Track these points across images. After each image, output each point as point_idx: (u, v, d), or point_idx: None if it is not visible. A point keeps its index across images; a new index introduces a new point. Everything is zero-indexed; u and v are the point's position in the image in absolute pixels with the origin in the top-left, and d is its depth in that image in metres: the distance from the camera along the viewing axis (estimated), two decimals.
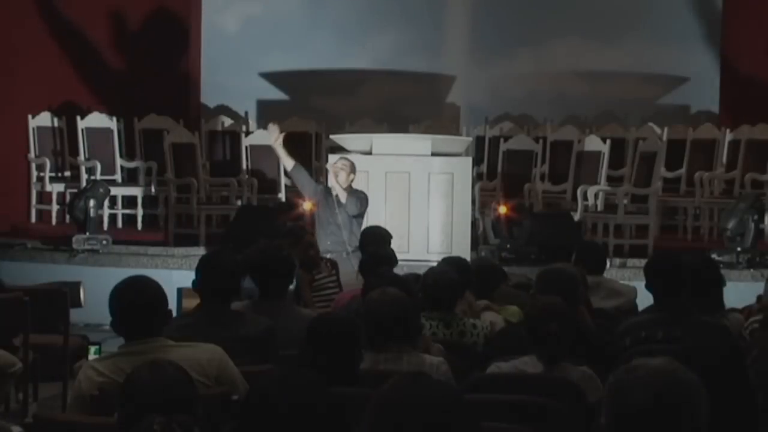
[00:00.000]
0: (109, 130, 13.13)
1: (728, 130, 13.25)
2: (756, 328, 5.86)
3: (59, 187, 13.03)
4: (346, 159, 10.00)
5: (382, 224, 9.28)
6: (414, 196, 10.51)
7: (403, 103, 14.65)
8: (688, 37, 14.63)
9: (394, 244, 8.44)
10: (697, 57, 14.62)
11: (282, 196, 12.45)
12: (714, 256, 10.24)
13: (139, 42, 14.12)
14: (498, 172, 12.88)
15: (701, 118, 14.30)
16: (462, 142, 11.78)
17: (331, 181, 9.74)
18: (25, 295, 7.29)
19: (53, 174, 13.14)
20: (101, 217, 12.17)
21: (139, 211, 12.77)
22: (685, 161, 13.08)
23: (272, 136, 10.26)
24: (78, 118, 13.05)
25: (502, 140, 13.10)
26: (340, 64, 14.83)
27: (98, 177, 12.64)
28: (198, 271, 5.53)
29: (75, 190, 12.48)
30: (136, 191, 12.91)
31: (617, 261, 11.10)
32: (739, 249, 10.97)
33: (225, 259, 5.65)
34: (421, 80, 14.93)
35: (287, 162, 10.24)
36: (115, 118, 13.26)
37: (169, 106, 13.73)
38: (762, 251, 11.09)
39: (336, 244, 9.52)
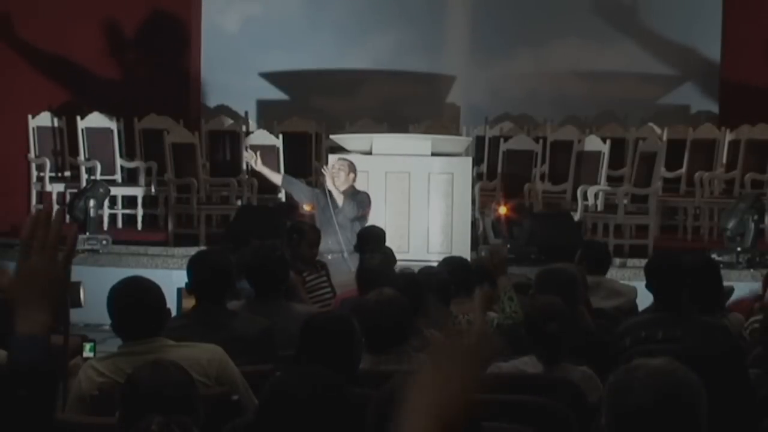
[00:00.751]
0: (109, 130, 13.13)
1: (728, 130, 13.25)
2: (756, 328, 5.86)
3: (59, 187, 13.02)
4: (344, 159, 9.99)
5: (381, 224, 9.28)
6: (414, 196, 10.51)
7: (403, 103, 14.65)
8: (688, 37, 14.63)
9: (395, 245, 8.44)
10: (697, 57, 14.62)
11: (282, 196, 12.44)
12: (714, 256, 10.24)
13: (139, 42, 14.13)
14: (498, 172, 12.87)
15: (701, 118, 14.30)
16: (462, 142, 11.78)
17: (329, 183, 9.71)
18: None
19: (53, 174, 13.14)
20: (101, 217, 12.17)
21: (139, 211, 12.77)
22: (685, 161, 13.08)
23: (251, 162, 10.56)
24: (78, 118, 13.04)
25: (502, 140, 13.09)
26: (340, 64, 14.83)
27: (98, 177, 12.64)
28: (188, 270, 5.53)
29: (75, 190, 12.48)
30: (136, 191, 12.91)
31: (617, 261, 11.09)
32: (739, 249, 10.96)
33: (213, 257, 5.65)
34: (421, 80, 14.92)
35: (275, 178, 10.57)
36: (115, 118, 13.26)
37: (169, 106, 13.73)
38: (762, 251, 11.09)
39: (336, 245, 9.52)
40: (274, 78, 14.90)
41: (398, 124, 13.61)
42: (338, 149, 11.07)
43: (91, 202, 11.54)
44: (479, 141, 13.65)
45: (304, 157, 13.26)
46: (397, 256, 7.82)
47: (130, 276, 4.73)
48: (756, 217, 11.13)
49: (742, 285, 9.92)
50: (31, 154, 13.21)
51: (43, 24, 13.63)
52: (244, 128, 13.58)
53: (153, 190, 12.98)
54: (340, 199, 9.64)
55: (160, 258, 11.43)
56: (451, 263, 6.91)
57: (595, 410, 4.24)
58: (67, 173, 13.22)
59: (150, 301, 4.55)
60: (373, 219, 9.85)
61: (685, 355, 3.98)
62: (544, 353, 4.88)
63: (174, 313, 6.16)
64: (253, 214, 11.40)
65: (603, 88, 14.81)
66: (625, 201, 11.99)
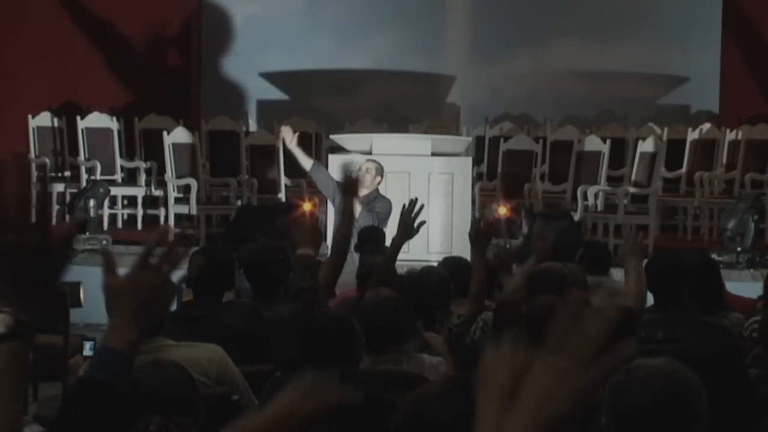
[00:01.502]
0: (109, 130, 13.13)
1: (728, 130, 13.25)
2: (756, 329, 5.86)
3: (59, 187, 13.02)
4: (373, 160, 9.90)
5: (383, 223, 9.28)
6: (414, 196, 10.49)
7: (403, 103, 14.65)
8: (688, 37, 14.63)
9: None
10: (697, 57, 14.62)
11: (282, 196, 12.44)
12: (714, 256, 10.23)
13: (139, 42, 14.13)
14: (498, 172, 12.87)
15: (701, 118, 14.30)
16: (462, 142, 11.78)
17: None
18: None
19: (53, 174, 13.14)
20: (101, 217, 12.16)
21: (139, 211, 12.77)
22: (685, 161, 13.08)
23: (287, 138, 10.22)
24: (78, 118, 13.05)
25: (502, 140, 13.09)
26: (340, 64, 14.83)
27: (98, 177, 12.64)
28: (188, 264, 5.53)
29: (75, 190, 12.48)
30: (136, 191, 12.91)
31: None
32: (739, 249, 10.96)
33: (215, 251, 5.65)
34: (421, 80, 14.92)
35: (305, 162, 10.11)
36: (115, 118, 13.26)
37: (169, 106, 13.73)
38: (762, 251, 11.09)
39: None
40: (274, 78, 14.90)
41: (398, 124, 13.61)
42: (338, 149, 11.06)
43: (91, 202, 11.54)
44: (479, 141, 13.65)
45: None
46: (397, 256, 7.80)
47: None
48: (756, 217, 11.13)
49: (742, 285, 9.92)
50: (31, 154, 13.21)
51: (43, 24, 13.63)
52: (244, 128, 13.58)
53: (153, 190, 12.98)
54: (357, 210, 9.54)
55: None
56: (451, 263, 6.90)
57: (595, 410, 4.24)
58: (67, 173, 13.22)
59: None
60: None
61: (685, 355, 3.98)
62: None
63: None
64: (253, 214, 11.40)
65: (603, 88, 14.81)
66: (625, 201, 11.99)
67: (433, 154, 10.71)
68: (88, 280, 9.50)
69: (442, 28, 14.94)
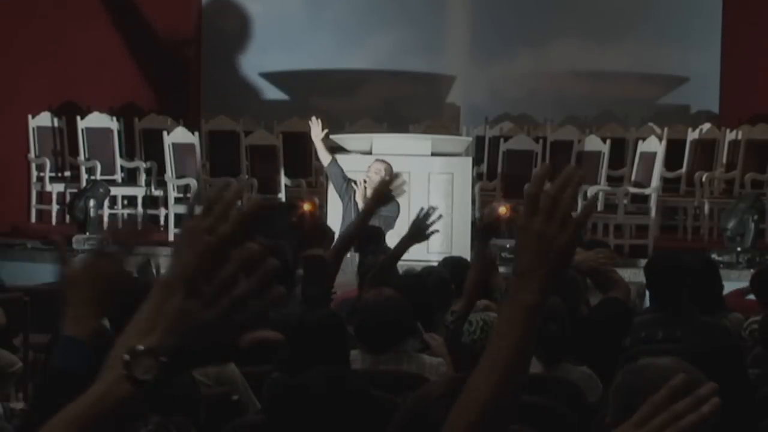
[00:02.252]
0: (109, 130, 13.13)
1: (728, 130, 13.25)
2: (755, 329, 5.86)
3: (59, 187, 13.02)
4: (382, 161, 9.93)
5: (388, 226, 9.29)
6: (414, 196, 10.50)
7: (403, 103, 14.65)
8: (688, 37, 14.62)
9: (394, 244, 8.41)
10: (697, 57, 14.62)
11: (282, 196, 12.44)
12: (714, 256, 10.24)
13: (139, 42, 14.12)
14: (498, 172, 12.87)
15: (701, 118, 14.29)
16: (462, 142, 11.78)
17: (358, 197, 9.63)
18: (25, 295, 7.29)
19: (53, 174, 13.14)
20: (101, 217, 12.16)
21: (140, 211, 12.77)
22: (685, 161, 13.08)
23: (314, 130, 10.37)
24: (78, 118, 13.05)
25: (502, 140, 13.09)
26: (340, 64, 14.83)
27: (98, 177, 12.64)
28: None
29: (75, 190, 12.48)
30: (136, 191, 12.91)
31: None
32: (739, 249, 10.96)
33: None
34: (421, 80, 14.92)
35: (325, 157, 10.36)
36: (115, 118, 13.26)
37: (169, 106, 13.73)
38: (762, 251, 11.09)
39: None
40: (274, 78, 14.89)
41: (398, 124, 13.61)
42: (338, 149, 11.07)
43: (91, 202, 11.53)
44: (479, 141, 13.64)
45: (304, 157, 13.24)
46: None
47: None
48: (756, 217, 11.13)
49: (742, 285, 9.92)
50: (31, 154, 13.21)
51: (43, 24, 13.63)
52: (244, 128, 13.58)
53: (153, 190, 12.98)
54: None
55: (160, 258, 11.41)
56: (452, 263, 6.90)
57: (595, 410, 4.24)
58: (67, 173, 13.22)
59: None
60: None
61: (685, 354, 3.99)
62: (543, 353, 4.88)
63: None
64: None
65: (603, 88, 14.81)
66: (625, 201, 11.99)
67: (433, 154, 10.71)
68: None
69: (442, 28, 14.93)
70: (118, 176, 13.08)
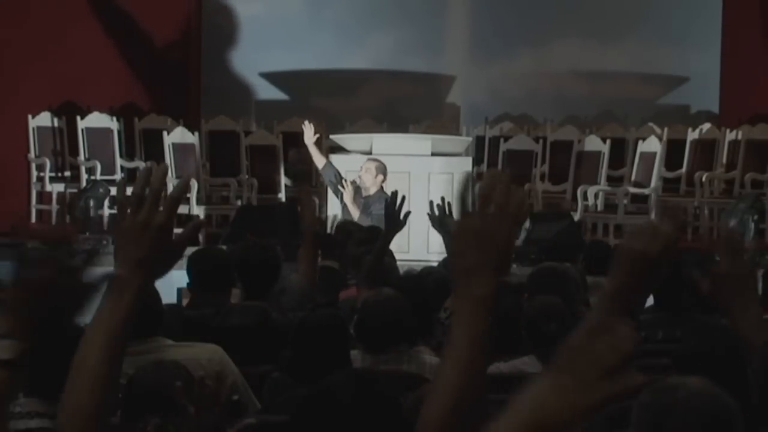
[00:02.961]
0: (109, 130, 13.13)
1: (728, 130, 13.25)
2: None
3: (59, 187, 13.02)
4: (373, 160, 9.94)
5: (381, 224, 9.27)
6: (414, 196, 10.50)
7: (403, 103, 14.65)
8: (688, 37, 14.62)
9: (394, 245, 8.41)
10: (697, 57, 14.61)
11: (282, 196, 12.44)
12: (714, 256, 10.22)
13: (139, 42, 14.12)
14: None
15: (701, 118, 14.30)
16: (462, 142, 11.78)
17: (346, 198, 9.63)
18: None
19: (53, 174, 13.14)
20: (101, 217, 12.16)
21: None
22: (685, 161, 13.08)
23: (307, 134, 10.37)
24: (78, 118, 13.05)
25: (502, 140, 13.10)
26: (340, 64, 14.83)
27: (98, 177, 12.64)
28: (188, 265, 5.53)
29: (75, 190, 12.48)
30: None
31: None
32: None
33: (215, 252, 5.64)
34: (421, 80, 14.92)
35: (319, 159, 10.37)
36: (115, 118, 13.26)
37: (169, 106, 13.73)
38: (762, 251, 11.08)
39: None
40: (274, 78, 14.89)
41: (398, 124, 13.61)
42: (338, 149, 11.07)
43: (91, 202, 11.53)
44: (479, 141, 13.65)
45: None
46: (397, 256, 7.79)
47: None
48: (756, 217, 11.13)
49: None
50: (31, 154, 13.21)
51: (43, 24, 13.63)
52: (244, 128, 13.58)
53: None
54: (355, 214, 9.55)
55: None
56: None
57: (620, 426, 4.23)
58: (67, 173, 13.22)
59: (146, 300, 4.53)
60: None
61: (685, 355, 3.98)
62: (543, 353, 4.87)
63: None
64: (253, 214, 11.40)
65: (603, 88, 14.81)
66: (625, 201, 11.99)
67: (433, 154, 10.71)
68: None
69: (442, 28, 14.93)
70: (118, 176, 13.07)
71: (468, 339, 1.95)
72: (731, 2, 14.41)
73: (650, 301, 6.08)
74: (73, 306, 2.02)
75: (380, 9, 14.72)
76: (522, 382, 1.73)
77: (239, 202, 12.45)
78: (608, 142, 12.60)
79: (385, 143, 10.89)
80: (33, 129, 13.22)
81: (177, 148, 12.47)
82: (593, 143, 12.69)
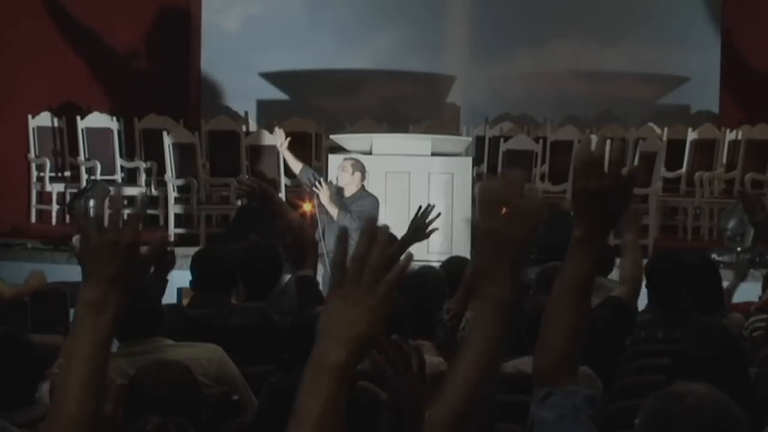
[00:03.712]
0: (109, 130, 13.13)
1: (728, 130, 13.25)
2: (760, 327, 5.86)
3: (59, 187, 13.02)
4: (349, 158, 9.92)
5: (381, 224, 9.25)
6: (414, 196, 10.50)
7: (403, 103, 14.65)
8: (688, 37, 14.63)
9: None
10: (697, 57, 14.62)
11: (282, 196, 12.44)
12: (714, 256, 10.23)
13: (139, 42, 14.12)
14: (498, 172, 12.87)
15: (701, 118, 14.30)
16: (462, 142, 11.78)
17: (323, 199, 9.58)
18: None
19: (53, 174, 13.14)
20: (101, 217, 12.14)
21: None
22: (685, 161, 13.08)
23: (278, 141, 10.35)
24: (78, 118, 13.05)
25: (502, 140, 13.09)
26: (340, 64, 14.83)
27: (98, 177, 12.64)
28: (193, 265, 5.53)
29: (75, 190, 12.48)
30: (136, 191, 12.90)
31: (617, 261, 11.07)
32: (739, 249, 10.96)
33: (220, 252, 5.64)
34: (421, 80, 14.92)
35: (295, 165, 10.29)
36: (115, 118, 13.26)
37: (169, 106, 13.73)
38: (762, 251, 11.08)
39: None
40: (274, 78, 14.89)
41: (398, 124, 13.61)
42: (338, 149, 11.07)
43: (91, 202, 11.53)
44: (479, 141, 13.64)
45: (304, 158, 13.22)
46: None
47: None
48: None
49: (742, 285, 9.91)
50: (31, 154, 13.21)
51: (43, 24, 13.63)
52: (244, 128, 13.58)
53: (153, 190, 12.98)
54: (334, 213, 9.50)
55: None
56: (454, 263, 6.90)
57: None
58: (67, 173, 13.22)
59: (144, 301, 4.54)
60: None
61: (684, 355, 3.98)
62: None
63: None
64: (253, 214, 11.39)
65: (603, 88, 14.81)
66: None
67: (433, 154, 10.71)
68: None
69: (442, 28, 14.93)
70: (118, 176, 13.08)
71: (484, 339, 1.99)
72: (731, 2, 14.40)
73: (650, 301, 6.09)
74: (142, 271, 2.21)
75: (380, 9, 14.72)
76: (522, 381, 1.76)
77: (239, 202, 12.45)
78: (608, 142, 12.59)
79: (385, 143, 10.90)
80: (33, 129, 13.22)
81: (177, 148, 12.47)
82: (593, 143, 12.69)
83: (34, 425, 3.83)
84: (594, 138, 6.90)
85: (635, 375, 5.36)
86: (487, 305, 1.99)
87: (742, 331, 5.99)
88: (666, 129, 13.56)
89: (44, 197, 13.22)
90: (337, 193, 9.70)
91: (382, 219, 10.01)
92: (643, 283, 6.11)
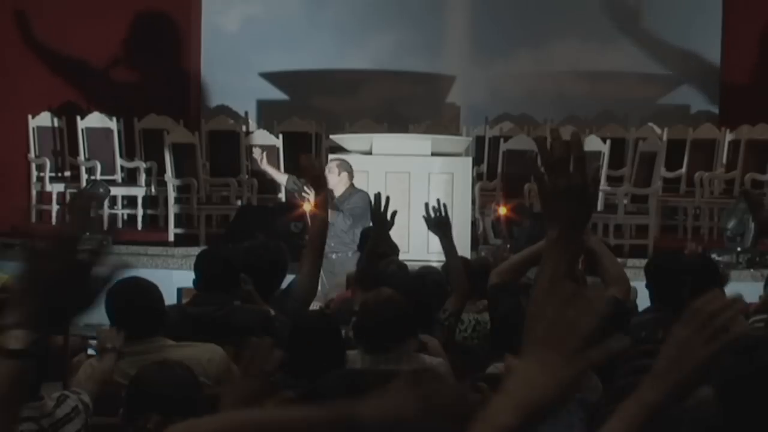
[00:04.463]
0: (109, 130, 13.13)
1: (728, 130, 13.26)
2: (760, 327, 5.86)
3: (59, 187, 13.02)
4: (335, 159, 10.00)
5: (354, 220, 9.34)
6: (414, 196, 10.50)
7: (403, 103, 14.65)
8: (688, 37, 14.63)
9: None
10: (697, 57, 14.62)
11: (282, 196, 12.44)
12: (714, 256, 10.24)
13: (139, 42, 14.12)
14: (498, 172, 12.88)
15: (701, 118, 14.30)
16: (462, 142, 11.78)
17: (306, 207, 9.61)
18: None
19: (53, 174, 13.14)
20: (101, 217, 12.16)
21: (140, 211, 12.77)
22: (685, 161, 13.08)
23: (258, 159, 10.76)
24: (78, 118, 13.04)
25: (502, 140, 13.09)
26: (340, 64, 14.83)
27: (98, 177, 12.64)
28: (197, 265, 5.53)
29: (75, 190, 12.48)
30: (136, 191, 12.91)
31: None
32: (739, 249, 10.96)
33: (224, 252, 5.64)
34: (421, 80, 14.92)
35: (279, 178, 10.67)
36: (115, 118, 13.26)
37: (169, 106, 13.73)
38: (762, 251, 11.09)
39: (340, 245, 9.50)
40: (274, 78, 14.89)
41: (398, 124, 13.61)
42: (338, 149, 11.07)
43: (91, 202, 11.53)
44: (479, 141, 13.65)
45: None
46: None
47: (127, 276, 4.73)
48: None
49: (742, 285, 9.93)
50: (31, 154, 13.21)
51: (43, 24, 13.64)
52: (244, 128, 13.58)
53: (153, 190, 12.98)
54: (331, 215, 9.53)
55: (160, 258, 11.43)
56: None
57: (595, 410, 4.24)
58: (67, 173, 13.22)
59: (146, 300, 4.54)
60: None
61: None
62: None
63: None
64: (253, 214, 11.40)
65: (603, 88, 14.81)
66: (625, 201, 11.99)
67: (433, 154, 10.71)
68: None
69: (442, 28, 14.93)
70: (118, 176, 13.08)
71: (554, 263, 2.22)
72: (731, 2, 14.41)
73: (650, 301, 6.09)
74: (81, 300, 1.97)
75: (380, 9, 14.72)
76: None
77: (239, 202, 12.45)
78: (608, 142, 12.60)
79: (385, 143, 10.90)
80: (33, 129, 13.22)
81: (177, 148, 12.47)
82: (593, 143, 12.69)
83: (38, 420, 3.84)
84: (548, 138, 6.85)
85: (635, 375, 5.36)
86: (634, 406, 1.91)
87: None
88: (666, 129, 13.57)
89: (44, 197, 13.22)
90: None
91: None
92: (643, 283, 6.12)
